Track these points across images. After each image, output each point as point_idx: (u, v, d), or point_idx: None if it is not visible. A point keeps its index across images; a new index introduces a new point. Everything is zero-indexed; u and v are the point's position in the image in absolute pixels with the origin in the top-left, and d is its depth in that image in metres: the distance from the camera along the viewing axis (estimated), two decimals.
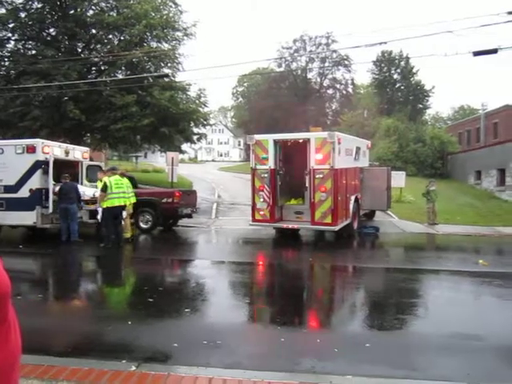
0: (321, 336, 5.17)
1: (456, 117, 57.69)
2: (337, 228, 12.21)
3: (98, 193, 12.35)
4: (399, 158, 32.47)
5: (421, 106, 39.42)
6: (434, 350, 4.62)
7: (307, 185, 12.53)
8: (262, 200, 12.74)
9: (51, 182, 11.92)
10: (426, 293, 7.84)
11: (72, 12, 22.53)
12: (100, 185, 12.72)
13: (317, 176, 12.09)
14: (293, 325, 5.64)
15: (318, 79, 51.51)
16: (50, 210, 11.83)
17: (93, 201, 12.51)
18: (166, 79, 22.41)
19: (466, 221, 18.23)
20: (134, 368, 3.84)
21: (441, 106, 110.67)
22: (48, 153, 12.03)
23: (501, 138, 32.61)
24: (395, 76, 40.60)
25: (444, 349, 4.66)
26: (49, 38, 23.30)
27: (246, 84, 61.75)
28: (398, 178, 19.99)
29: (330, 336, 5.15)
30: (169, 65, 24.05)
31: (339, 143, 12.27)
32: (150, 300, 6.34)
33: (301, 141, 12.87)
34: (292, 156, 13.37)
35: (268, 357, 4.37)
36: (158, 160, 48.14)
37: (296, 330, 5.47)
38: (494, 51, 14.84)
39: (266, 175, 12.69)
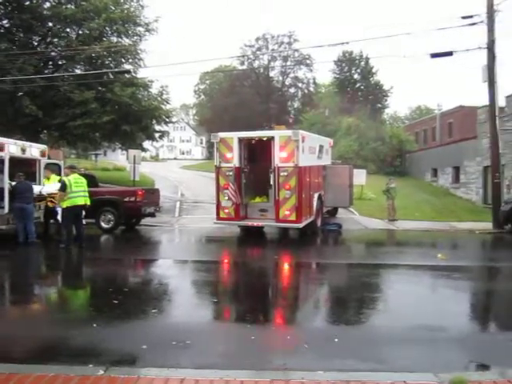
0: (290, 332, 5.22)
1: (413, 116, 59.58)
2: (301, 225, 12.34)
3: (44, 190, 12.02)
4: (360, 157, 33.18)
5: (380, 105, 40.47)
6: (399, 342, 4.76)
7: (272, 183, 12.59)
8: (226, 198, 12.71)
9: (7, 181, 11.43)
10: (388, 287, 8.05)
11: (27, 3, 21.63)
12: (48, 182, 12.36)
13: (281, 174, 12.17)
14: (262, 322, 5.66)
15: (281, 78, 51.89)
16: (6, 210, 11.34)
17: (39, 198, 12.10)
18: (127, 75, 21.90)
19: (424, 217, 18.86)
20: (101, 372, 3.74)
21: (399, 105, 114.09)
22: (3, 150, 11.52)
23: (455, 137, 33.92)
24: (355, 76, 41.52)
25: (408, 340, 4.81)
26: (2, 30, 22.27)
27: (208, 81, 61.31)
28: (359, 176, 20.43)
29: (300, 332, 5.20)
30: (130, 61, 23.53)
31: (303, 141, 12.40)
32: (115, 301, 6.19)
33: (265, 139, 12.92)
34: (256, 154, 13.41)
35: (239, 355, 4.37)
36: (118, 158, 47.14)
37: (265, 327, 5.49)
38: (450, 54, 15.43)
39: (230, 173, 12.67)
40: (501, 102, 20.10)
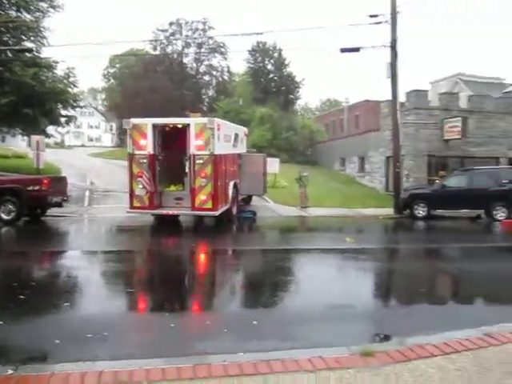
0: (210, 318, 5.27)
1: (323, 108, 62.11)
2: (217, 213, 12.39)
3: None
4: (273, 146, 33.98)
5: (292, 96, 41.55)
6: (314, 321, 5.02)
7: (187, 170, 12.47)
8: (140, 186, 12.37)
9: None
10: (301, 270, 8.41)
11: None
12: None
13: (197, 162, 12.10)
14: (180, 310, 5.64)
15: (195, 65, 51.09)
16: None
17: None
18: (29, 54, 20.22)
19: (334, 204, 19.85)
20: (11, 372, 3.50)
21: (310, 97, 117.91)
22: None
23: (361, 128, 35.98)
24: (269, 66, 42.09)
25: (322, 319, 5.10)
26: None
27: (118, 65, 58.58)
28: (273, 165, 20.93)
29: (219, 317, 5.26)
30: (32, 38, 21.69)
31: (219, 129, 12.41)
32: (22, 297, 5.79)
33: (180, 126, 12.73)
34: (171, 141, 13.16)
35: (159, 344, 4.32)
36: (18, 144, 43.51)
37: (184, 314, 5.49)
38: (357, 49, 16.31)
39: (144, 161, 12.33)
40: (402, 97, 21.71)
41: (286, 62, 41.12)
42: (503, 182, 17.16)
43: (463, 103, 24.11)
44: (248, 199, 17.92)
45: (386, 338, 4.51)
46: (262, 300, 6.23)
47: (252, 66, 43.14)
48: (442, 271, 8.53)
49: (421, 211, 17.28)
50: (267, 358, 3.72)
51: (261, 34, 16.35)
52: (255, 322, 4.88)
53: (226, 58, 48.12)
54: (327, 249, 10.26)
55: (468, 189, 17.19)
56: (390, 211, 18.28)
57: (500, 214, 16.77)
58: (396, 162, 18.48)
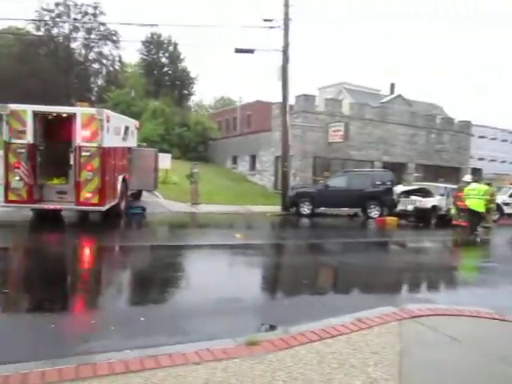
0: (95, 317, 5.05)
1: (217, 106, 62.44)
2: (104, 208, 11.87)
3: None
4: (165, 141, 33.38)
5: (186, 92, 41.15)
6: (202, 315, 5.10)
7: (72, 163, 11.74)
8: (17, 178, 11.37)
9: None
10: (191, 266, 8.43)
11: None
12: None
13: (83, 154, 11.46)
14: (63, 309, 5.34)
15: (83, 51, 47.98)
16: None
17: None
18: None
19: (224, 200, 20.15)
20: None
21: (205, 94, 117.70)
22: None
23: (253, 128, 36.96)
24: (163, 60, 41.11)
25: (211, 313, 5.20)
26: None
27: None
28: (164, 160, 20.59)
29: (105, 316, 5.08)
30: None
31: (108, 121, 11.89)
32: None
33: (65, 115, 11.93)
34: (55, 131, 12.28)
35: (38, 346, 4.05)
36: None
37: (67, 314, 5.19)
38: (252, 51, 16.76)
39: (23, 151, 11.36)
40: (292, 100, 22.78)
41: (182, 57, 40.66)
42: (377, 183, 18.93)
43: (346, 110, 26.08)
44: (138, 195, 17.42)
45: (272, 328, 4.75)
46: (151, 296, 6.14)
47: (146, 57, 41.82)
48: (324, 264, 9.18)
49: (306, 209, 18.36)
50: (155, 353, 3.70)
51: (156, 25, 16.04)
52: (143, 319, 4.81)
53: (117, 47, 45.98)
54: (217, 244, 10.43)
55: (347, 189, 18.67)
56: (278, 208, 19.12)
57: (374, 212, 18.50)
58: (284, 161, 19.37)
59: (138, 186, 16.32)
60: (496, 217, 19.13)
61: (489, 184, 16.03)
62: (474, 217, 14.58)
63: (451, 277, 8.65)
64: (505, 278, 8.77)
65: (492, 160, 33.01)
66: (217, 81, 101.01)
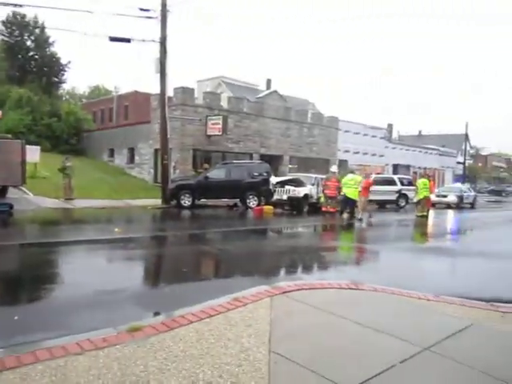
0: None
1: (91, 96, 58.94)
2: None
3: None
4: (33, 132, 30.75)
5: (56, 79, 38.10)
6: (83, 309, 5.05)
7: None
8: None
9: None
10: (68, 262, 8.07)
11: None
12: None
13: None
14: None
15: None
16: None
17: None
18: None
19: (102, 195, 19.45)
20: None
21: (78, 82, 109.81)
22: None
23: (131, 119, 35.80)
24: (28, 43, 37.39)
25: (93, 305, 5.17)
26: None
27: None
28: (33, 153, 19.22)
29: None
30: None
31: None
32: None
33: None
34: None
35: None
36: None
37: None
38: (128, 40, 16.31)
39: None
40: (171, 92, 22.66)
41: (50, 41, 37.41)
42: (254, 174, 19.86)
43: (224, 103, 26.71)
44: (3, 191, 15.95)
45: (154, 314, 4.91)
46: (25, 295, 5.86)
47: (7, 39, 37.65)
48: (204, 252, 9.51)
49: (186, 201, 18.56)
50: (33, 348, 3.64)
51: (20, 6, 14.64)
52: (16, 317, 4.62)
53: None
54: (95, 240, 10.13)
55: (227, 180, 19.29)
56: (158, 201, 19.01)
57: (252, 202, 19.40)
58: (164, 154, 19.28)
59: (3, 182, 14.99)
60: None
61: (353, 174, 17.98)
62: (348, 203, 16.51)
63: (320, 257, 9.59)
64: (366, 255, 10.01)
65: (355, 152, 36.49)
66: (91, 69, 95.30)
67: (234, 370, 3.36)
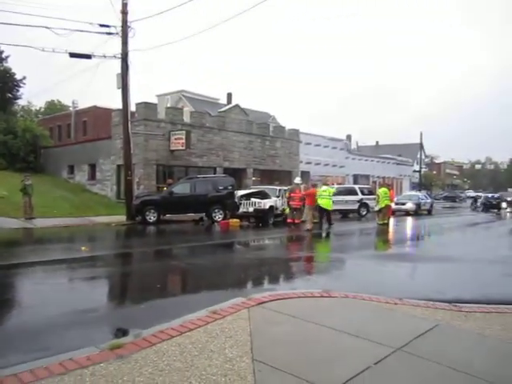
0: None
1: (47, 111, 57.38)
2: None
3: None
4: None
5: (10, 95, 36.94)
6: (59, 330, 5.02)
7: None
8: None
9: None
10: (34, 283, 7.81)
11: None
12: None
13: None
14: None
15: None
16: None
17: None
18: None
19: (63, 213, 19.04)
20: None
21: (34, 98, 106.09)
22: None
23: (90, 135, 35.18)
24: None
25: (67, 326, 5.14)
26: None
27: None
28: None
29: None
30: None
31: None
32: None
33: None
34: None
35: None
36: None
37: None
38: (89, 56, 16.17)
39: None
40: (133, 107, 22.52)
41: (4, 56, 36.31)
42: (219, 188, 19.99)
43: (187, 118, 26.77)
44: None
45: (133, 331, 4.93)
46: None
47: None
48: (175, 268, 9.52)
49: (152, 217, 18.43)
50: (15, 371, 3.62)
51: None
52: None
53: None
54: (60, 259, 9.92)
55: (192, 195, 19.33)
56: (122, 218, 18.78)
57: (218, 215, 19.48)
58: (127, 170, 19.10)
59: None
60: None
61: (314, 185, 18.55)
62: (323, 213, 17.41)
63: (290, 267, 9.81)
64: (334, 264, 10.31)
65: (317, 164, 37.30)
66: (48, 84, 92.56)
67: (221, 379, 3.48)
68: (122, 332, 4.98)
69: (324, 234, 16.30)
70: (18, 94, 37.65)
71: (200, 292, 7.38)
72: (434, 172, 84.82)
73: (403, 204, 29.15)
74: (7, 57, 36.39)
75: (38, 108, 61.49)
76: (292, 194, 18.24)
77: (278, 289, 6.97)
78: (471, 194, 64.79)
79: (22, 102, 48.20)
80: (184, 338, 4.36)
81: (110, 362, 3.82)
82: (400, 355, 4.06)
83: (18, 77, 36.54)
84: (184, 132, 23.72)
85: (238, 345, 4.17)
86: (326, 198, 17.11)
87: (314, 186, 18.86)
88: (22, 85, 36.96)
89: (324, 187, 17.74)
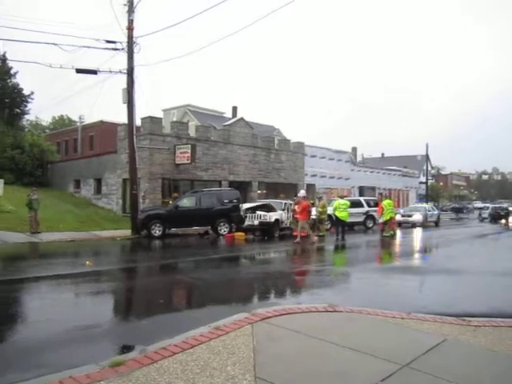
0: None
1: (55, 126, 57.96)
2: None
3: None
4: None
5: (19, 110, 37.39)
6: (60, 346, 4.96)
7: None
8: None
9: None
10: (38, 298, 7.81)
11: None
12: None
13: None
14: None
15: None
16: None
17: None
18: None
19: (69, 227, 19.07)
20: None
21: (41, 113, 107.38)
22: None
23: (96, 150, 35.41)
24: None
25: (69, 342, 5.07)
26: None
27: None
28: None
29: None
30: None
31: None
32: None
33: None
34: None
35: None
36: None
37: None
38: (95, 72, 16.34)
39: None
40: (138, 121, 22.68)
41: (12, 72, 36.86)
42: (225, 201, 19.95)
43: (192, 132, 26.89)
44: None
45: (135, 347, 4.85)
46: None
47: None
48: (179, 282, 9.45)
49: (157, 231, 18.39)
50: None
51: None
52: None
53: None
54: (65, 274, 9.89)
55: (197, 208, 19.29)
56: (127, 232, 18.76)
57: (223, 229, 19.41)
58: (133, 184, 19.14)
59: None
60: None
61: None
62: (339, 226, 18.05)
63: (295, 281, 9.70)
64: (339, 277, 10.19)
65: (322, 176, 37.21)
66: (56, 99, 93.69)
67: None
68: (123, 348, 4.92)
69: (333, 247, 16.38)
70: (26, 109, 38.13)
71: (204, 307, 7.28)
72: (441, 183, 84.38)
73: (410, 216, 28.94)
74: (15, 73, 36.98)
75: (45, 123, 62.11)
76: (296, 207, 18.18)
77: (283, 303, 6.87)
78: (479, 204, 64.26)
79: (29, 117, 48.79)
80: (186, 355, 4.28)
81: (109, 380, 3.75)
82: (407, 372, 3.95)
83: (25, 92, 37.06)
84: (189, 146, 23.78)
85: (240, 362, 4.09)
86: (344, 210, 18.06)
87: (305, 198, 18.73)
88: (29, 100, 37.45)
89: (341, 200, 18.72)
